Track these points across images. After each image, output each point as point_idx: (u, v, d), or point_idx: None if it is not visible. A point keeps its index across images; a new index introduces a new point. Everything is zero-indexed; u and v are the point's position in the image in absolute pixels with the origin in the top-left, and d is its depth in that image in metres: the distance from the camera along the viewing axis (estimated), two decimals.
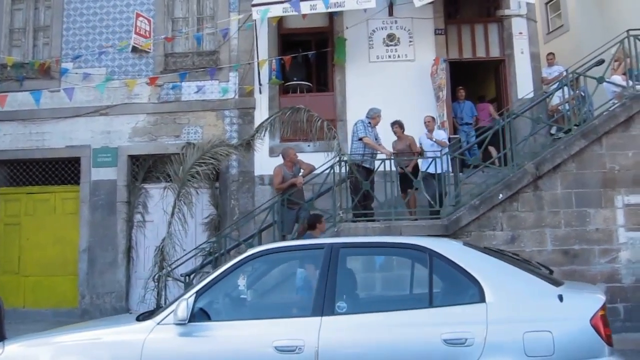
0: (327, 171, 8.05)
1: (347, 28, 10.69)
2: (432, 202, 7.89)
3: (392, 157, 8.15)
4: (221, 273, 3.77)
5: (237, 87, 10.90)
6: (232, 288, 3.96)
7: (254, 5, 9.81)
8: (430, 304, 3.60)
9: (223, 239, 8.20)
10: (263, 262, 3.93)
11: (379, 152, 8.45)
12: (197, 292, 3.69)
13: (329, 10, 9.78)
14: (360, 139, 8.44)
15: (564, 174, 7.76)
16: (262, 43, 10.81)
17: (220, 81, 10.92)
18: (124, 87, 10.95)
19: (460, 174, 9.12)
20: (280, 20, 10.90)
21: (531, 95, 10.51)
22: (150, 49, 11.00)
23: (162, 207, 10.88)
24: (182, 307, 3.49)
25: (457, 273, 3.62)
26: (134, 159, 11.05)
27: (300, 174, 8.33)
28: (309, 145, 10.59)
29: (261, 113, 10.78)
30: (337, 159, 7.93)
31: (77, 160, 11.04)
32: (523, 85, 10.63)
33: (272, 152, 10.51)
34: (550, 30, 14.27)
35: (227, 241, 8.30)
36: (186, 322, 3.49)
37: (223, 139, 9.82)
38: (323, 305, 3.58)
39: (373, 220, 7.97)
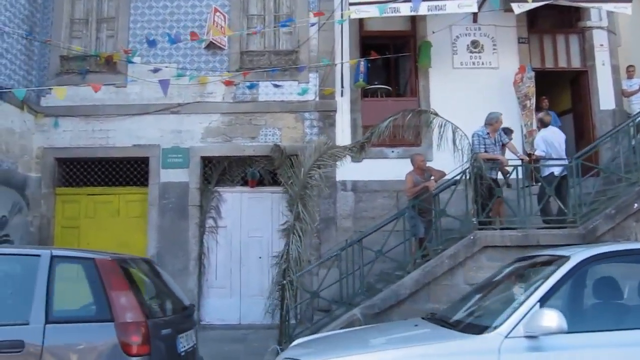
0: (459, 177, 7.75)
1: (433, 33, 10.47)
2: (565, 211, 7.68)
3: (527, 164, 7.89)
4: (561, 278, 3.39)
5: (318, 89, 10.48)
6: (571, 295, 3.59)
7: (351, 5, 9.48)
8: None
9: (350, 246, 7.78)
10: (600, 266, 3.59)
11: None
12: (540, 299, 3.31)
13: (430, 13, 9.55)
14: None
15: None
16: (343, 44, 10.49)
17: (300, 82, 10.48)
18: (196, 84, 10.38)
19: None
20: (361, 22, 10.62)
21: (613, 107, 10.63)
22: (224, 46, 10.49)
23: (236, 212, 10.44)
24: (553, 316, 3.07)
25: None
26: (207, 161, 10.45)
27: (432, 178, 8.00)
28: (392, 152, 10.33)
29: (342, 116, 10.45)
30: (469, 164, 7.63)
31: (144, 161, 10.35)
32: (604, 97, 10.67)
33: (354, 157, 10.13)
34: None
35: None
36: (566, 331, 3.08)
37: (317, 140, 9.39)
38: None
39: (503, 229, 7.69)
